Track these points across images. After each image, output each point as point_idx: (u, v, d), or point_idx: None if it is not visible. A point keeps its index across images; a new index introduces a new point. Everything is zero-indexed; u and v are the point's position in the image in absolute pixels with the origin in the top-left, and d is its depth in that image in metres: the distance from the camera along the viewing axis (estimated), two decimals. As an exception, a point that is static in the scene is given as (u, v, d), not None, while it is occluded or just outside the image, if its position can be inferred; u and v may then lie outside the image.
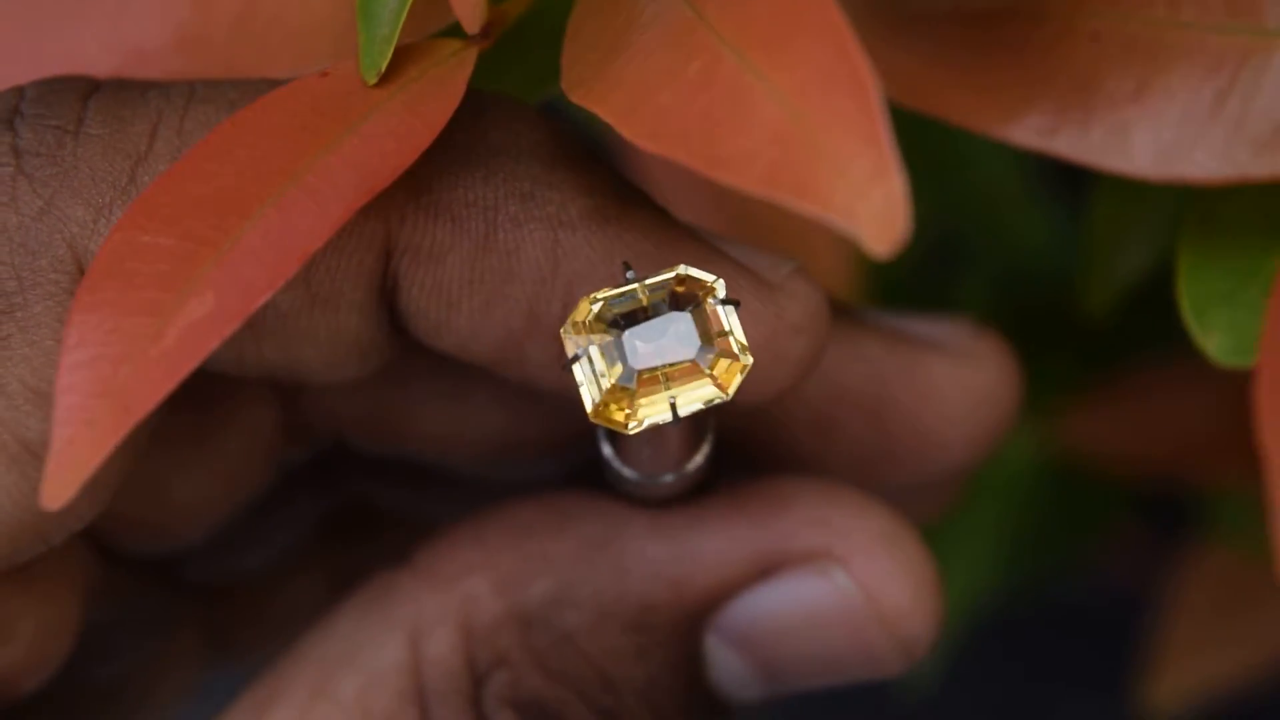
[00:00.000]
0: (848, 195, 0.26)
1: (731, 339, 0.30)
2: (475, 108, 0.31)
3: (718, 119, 0.27)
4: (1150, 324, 0.52)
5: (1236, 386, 0.50)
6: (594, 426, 0.31)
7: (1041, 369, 0.53)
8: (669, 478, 0.33)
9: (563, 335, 0.29)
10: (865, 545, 0.33)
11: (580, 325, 0.29)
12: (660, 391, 0.29)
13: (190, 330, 0.26)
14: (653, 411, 0.29)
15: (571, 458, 0.37)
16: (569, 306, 0.31)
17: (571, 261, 0.31)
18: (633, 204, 0.31)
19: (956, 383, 0.35)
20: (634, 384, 0.29)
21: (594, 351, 0.29)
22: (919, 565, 0.34)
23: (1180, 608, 0.56)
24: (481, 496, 0.38)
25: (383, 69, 0.30)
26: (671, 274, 0.29)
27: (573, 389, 0.30)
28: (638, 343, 0.29)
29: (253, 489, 0.37)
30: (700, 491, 0.34)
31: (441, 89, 0.30)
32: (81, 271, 0.30)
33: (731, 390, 0.29)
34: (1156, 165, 0.31)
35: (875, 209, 0.26)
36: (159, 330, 0.27)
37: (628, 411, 0.29)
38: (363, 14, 0.30)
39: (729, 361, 0.30)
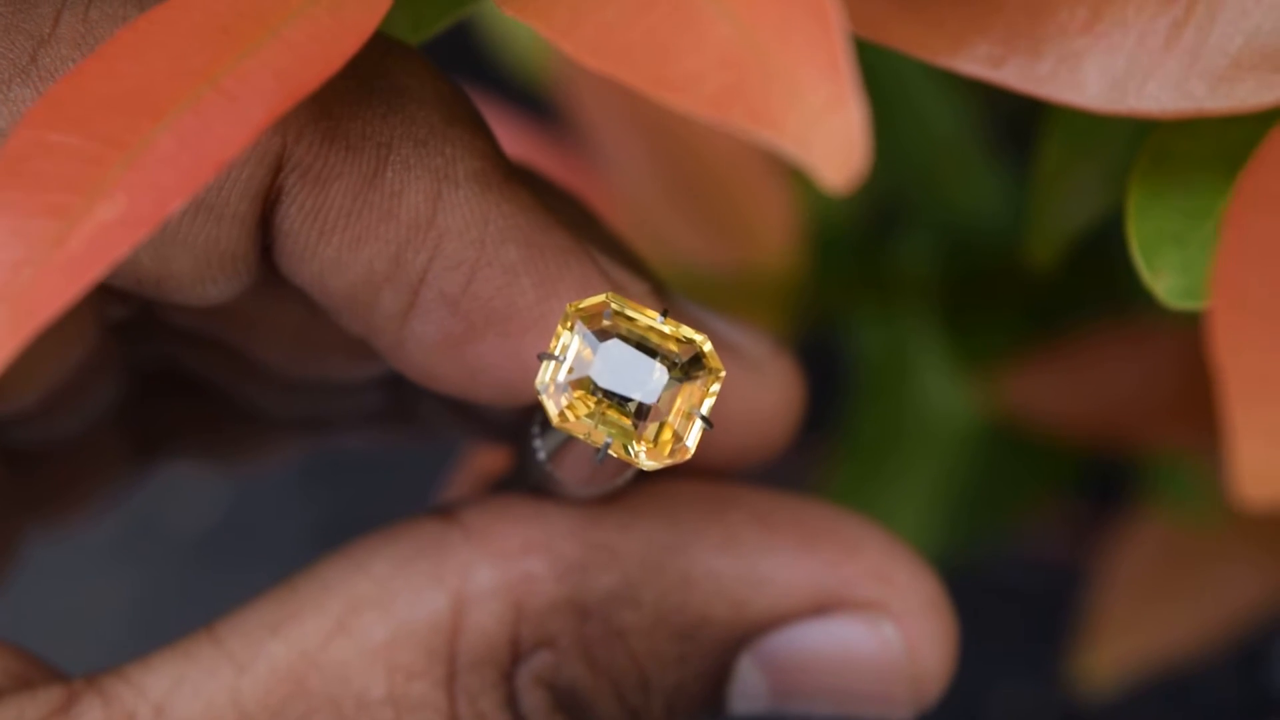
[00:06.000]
0: (803, 123, 0.25)
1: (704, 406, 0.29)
2: (383, 50, 0.31)
3: (664, 38, 0.26)
4: (1094, 286, 0.53)
5: (1180, 348, 0.50)
6: (532, 427, 0.32)
7: (983, 329, 0.53)
8: (595, 489, 0.33)
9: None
10: (917, 608, 0.35)
11: (571, 320, 0.29)
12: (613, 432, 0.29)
13: (98, 234, 0.25)
14: (598, 440, 0.29)
15: (377, 370, 0.37)
16: (433, 260, 0.31)
17: (448, 217, 0.31)
18: (519, 180, 0.32)
19: (738, 391, 0.35)
20: (600, 402, 0.29)
21: (571, 352, 0.29)
22: (953, 634, 0.35)
23: (1116, 579, 0.56)
24: (300, 392, 0.39)
25: (308, -30, 0.29)
26: (659, 321, 0.29)
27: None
28: (613, 354, 0.29)
29: (80, 350, 0.36)
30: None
31: (367, -6, 0.28)
32: None
33: (692, 449, 0.29)
34: (1108, 97, 0.30)
35: (832, 139, 0.25)
36: (64, 234, 0.25)
37: (589, 430, 0.29)
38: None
39: (688, 423, 0.29)
